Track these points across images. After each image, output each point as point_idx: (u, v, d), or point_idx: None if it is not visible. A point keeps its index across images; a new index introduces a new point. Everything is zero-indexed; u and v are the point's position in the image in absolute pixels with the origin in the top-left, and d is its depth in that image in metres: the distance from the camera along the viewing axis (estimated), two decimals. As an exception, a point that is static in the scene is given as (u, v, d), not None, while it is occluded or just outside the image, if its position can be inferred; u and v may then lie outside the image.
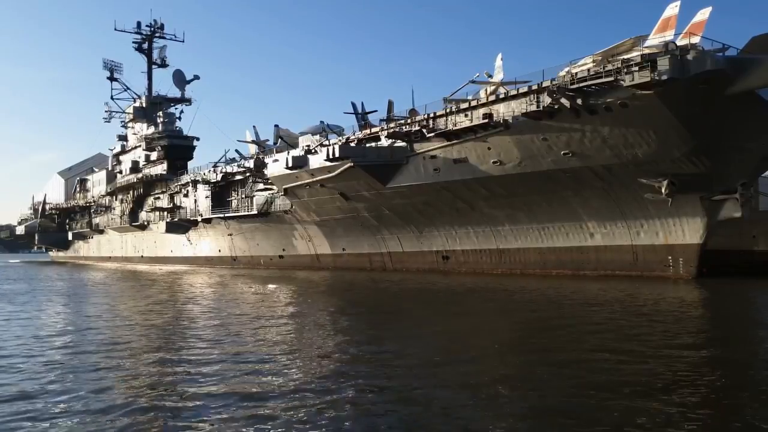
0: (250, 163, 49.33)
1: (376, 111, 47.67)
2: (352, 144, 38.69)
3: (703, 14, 26.74)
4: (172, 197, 63.54)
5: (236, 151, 61.17)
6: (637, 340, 12.87)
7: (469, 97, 34.39)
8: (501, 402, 8.38)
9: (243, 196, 52.99)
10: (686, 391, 8.76)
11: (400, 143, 36.51)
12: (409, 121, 36.98)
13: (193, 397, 8.71)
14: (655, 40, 27.17)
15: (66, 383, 9.54)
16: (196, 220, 58.56)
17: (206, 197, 56.64)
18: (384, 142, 37.35)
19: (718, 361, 11.33)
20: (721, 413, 7.88)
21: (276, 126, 52.27)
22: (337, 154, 37.31)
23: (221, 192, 55.53)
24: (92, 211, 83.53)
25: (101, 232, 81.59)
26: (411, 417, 7.79)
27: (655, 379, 9.37)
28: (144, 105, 74.29)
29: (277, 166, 44.90)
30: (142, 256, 72.96)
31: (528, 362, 10.99)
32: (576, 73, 27.54)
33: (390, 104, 45.21)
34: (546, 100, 28.68)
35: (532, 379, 9.65)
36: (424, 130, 34.68)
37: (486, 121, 31.35)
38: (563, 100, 27.77)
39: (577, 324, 15.57)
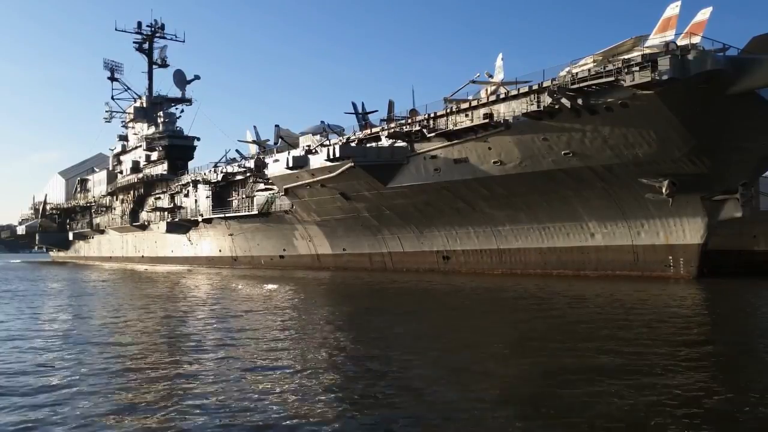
0: (251, 163, 49.35)
1: (376, 111, 47.77)
2: (353, 144, 38.71)
3: (704, 14, 26.74)
4: (172, 197, 63.57)
5: (237, 151, 61.33)
6: (636, 339, 12.87)
7: (470, 97, 34.39)
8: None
9: (243, 196, 53.01)
10: (685, 392, 8.77)
11: (400, 143, 36.53)
12: (409, 121, 36.99)
13: (195, 404, 8.72)
14: (655, 40, 27.18)
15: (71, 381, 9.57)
16: (197, 220, 58.59)
17: (207, 197, 56.67)
18: (384, 142, 37.37)
19: (717, 360, 11.33)
20: (720, 414, 7.87)
21: (276, 126, 52.32)
22: (337, 154, 37.31)
23: (222, 192, 55.57)
24: (93, 211, 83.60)
25: (102, 232, 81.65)
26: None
27: (654, 380, 9.37)
28: (144, 105, 74.42)
29: (277, 166, 44.92)
30: (142, 256, 73.00)
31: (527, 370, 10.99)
32: (576, 73, 27.55)
33: (390, 104, 45.27)
34: (546, 100, 28.69)
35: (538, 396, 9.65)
36: (425, 130, 34.68)
37: (486, 121, 31.35)
38: (564, 100, 27.77)
39: (579, 324, 15.59)
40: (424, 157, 35.62)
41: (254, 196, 50.95)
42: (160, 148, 68.07)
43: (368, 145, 38.21)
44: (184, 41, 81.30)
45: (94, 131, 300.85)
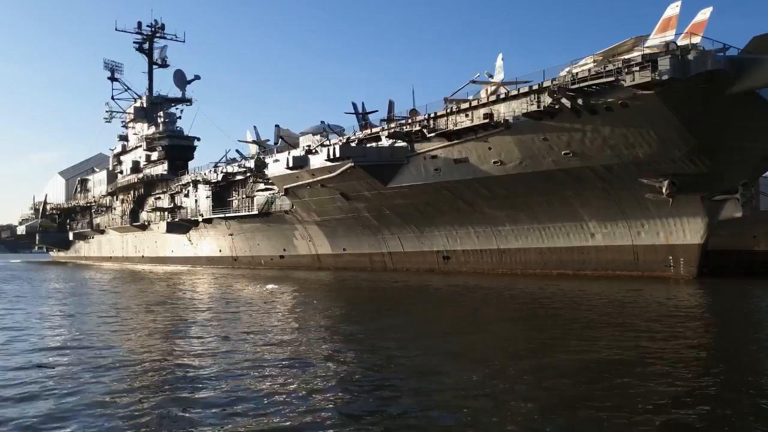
0: (251, 163, 49.34)
1: (376, 111, 47.74)
2: (353, 144, 38.69)
3: (704, 14, 26.75)
4: (172, 197, 63.57)
5: (237, 151, 61.40)
6: (637, 339, 12.89)
7: (470, 97, 34.38)
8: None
9: (244, 196, 53.01)
10: (684, 392, 8.77)
11: (400, 143, 36.52)
12: (409, 121, 36.99)
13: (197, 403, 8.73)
14: (655, 40, 27.19)
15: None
16: (197, 220, 58.58)
17: (207, 197, 56.67)
18: (385, 142, 37.36)
19: (718, 361, 11.34)
20: (719, 415, 7.88)
21: (277, 126, 52.29)
22: (337, 154, 37.30)
23: (222, 192, 55.56)
24: (93, 211, 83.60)
25: (102, 232, 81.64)
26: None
27: (654, 380, 9.38)
28: (145, 105, 74.40)
29: (277, 166, 44.92)
30: (142, 256, 73.00)
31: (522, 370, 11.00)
32: (577, 73, 27.54)
33: (390, 104, 45.27)
34: (547, 100, 28.69)
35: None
36: (425, 130, 34.67)
37: (487, 121, 31.34)
38: (564, 100, 27.77)
39: (581, 324, 15.60)
40: (424, 157, 35.61)
41: (254, 196, 50.94)
42: (160, 148, 68.07)
43: (368, 145, 38.20)
44: (184, 41, 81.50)
45: (94, 131, 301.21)
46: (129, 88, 79.10)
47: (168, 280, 38.37)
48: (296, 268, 48.82)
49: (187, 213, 60.51)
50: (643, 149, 28.17)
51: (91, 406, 8.28)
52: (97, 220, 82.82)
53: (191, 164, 66.35)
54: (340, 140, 40.45)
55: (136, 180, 70.28)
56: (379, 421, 7.61)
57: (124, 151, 77.18)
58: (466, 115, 32.64)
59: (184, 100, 73.75)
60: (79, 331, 15.37)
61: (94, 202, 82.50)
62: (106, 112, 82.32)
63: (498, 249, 37.59)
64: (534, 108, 29.20)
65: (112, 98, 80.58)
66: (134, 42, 76.03)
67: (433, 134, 34.35)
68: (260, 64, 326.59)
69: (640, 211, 31.13)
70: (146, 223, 68.77)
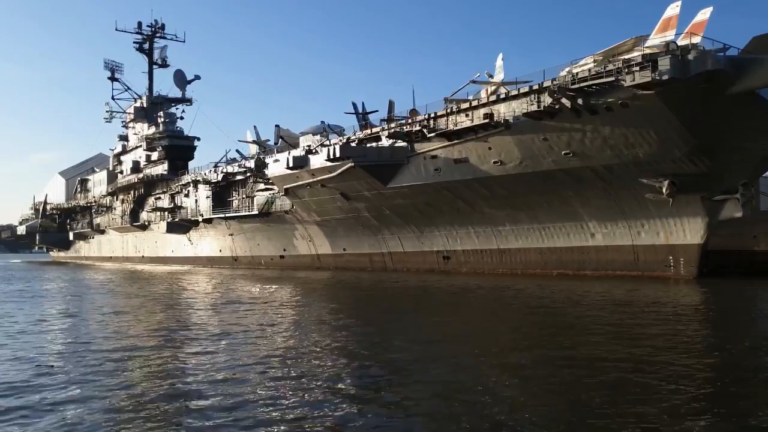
0: (251, 163, 49.34)
1: (377, 111, 47.72)
2: (353, 144, 38.69)
3: (704, 14, 26.75)
4: (173, 197, 63.58)
5: (237, 151, 61.42)
6: (637, 339, 12.89)
7: (470, 97, 34.38)
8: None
9: (244, 196, 53.02)
10: (685, 392, 8.77)
11: (400, 143, 36.51)
12: (409, 121, 36.99)
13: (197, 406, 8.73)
14: (656, 40, 27.19)
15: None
16: (197, 220, 58.59)
17: (207, 197, 56.68)
18: (385, 142, 37.36)
19: (718, 361, 11.34)
20: (720, 416, 7.88)
21: (277, 126, 52.27)
22: (337, 154, 37.30)
23: (222, 192, 55.57)
24: (93, 211, 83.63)
25: (102, 232, 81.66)
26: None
27: (654, 381, 9.38)
28: (145, 105, 74.42)
29: (277, 166, 44.93)
30: (143, 256, 73.02)
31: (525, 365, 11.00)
32: (577, 73, 27.54)
33: (391, 104, 45.24)
34: (547, 100, 28.68)
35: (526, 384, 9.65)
36: (425, 130, 34.68)
37: (487, 121, 31.34)
38: (564, 100, 27.77)
39: (582, 325, 15.59)
40: (424, 157, 35.61)
41: (254, 196, 50.94)
42: (161, 148, 68.10)
43: (368, 145, 38.20)
44: (184, 41, 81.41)
45: (94, 131, 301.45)
46: (129, 88, 79.24)
47: (168, 280, 38.38)
48: (296, 268, 48.82)
49: (187, 213, 60.51)
50: (643, 149, 28.17)
51: (91, 405, 8.29)
52: (97, 220, 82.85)
53: (191, 164, 66.47)
54: (340, 140, 40.45)
55: (136, 180, 70.30)
56: (380, 416, 7.62)
57: (124, 151, 77.21)
58: (466, 115, 32.64)
59: (184, 100, 73.77)
60: (79, 331, 15.38)
61: (94, 202, 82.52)
62: (106, 112, 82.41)
63: (498, 249, 37.59)
64: (534, 108, 29.19)
65: (113, 98, 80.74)
66: (134, 42, 76.15)
67: (433, 134, 34.34)
68: (260, 64, 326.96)
69: (640, 211, 31.12)
70: (146, 223, 68.79)
